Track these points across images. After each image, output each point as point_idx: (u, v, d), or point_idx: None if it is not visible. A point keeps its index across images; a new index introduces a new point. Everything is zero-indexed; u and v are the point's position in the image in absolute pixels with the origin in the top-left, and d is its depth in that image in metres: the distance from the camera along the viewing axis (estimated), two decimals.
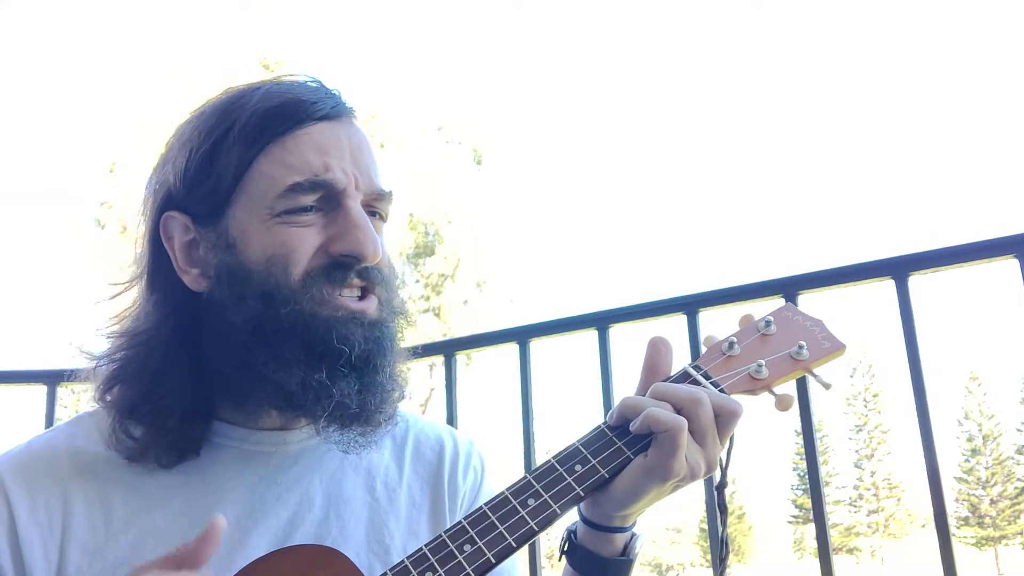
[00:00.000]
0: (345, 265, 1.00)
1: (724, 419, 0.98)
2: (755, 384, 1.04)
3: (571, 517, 1.02)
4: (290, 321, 0.97)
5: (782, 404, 1.04)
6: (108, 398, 1.04)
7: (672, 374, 1.05)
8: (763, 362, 1.04)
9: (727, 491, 1.10)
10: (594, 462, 0.96)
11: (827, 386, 1.06)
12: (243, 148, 1.00)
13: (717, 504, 1.08)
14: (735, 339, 1.08)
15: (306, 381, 0.96)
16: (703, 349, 1.09)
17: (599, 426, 1.00)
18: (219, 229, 1.01)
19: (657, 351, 1.05)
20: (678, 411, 0.96)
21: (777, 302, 1.92)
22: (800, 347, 1.06)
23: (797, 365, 1.05)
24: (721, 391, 1.02)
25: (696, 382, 1.02)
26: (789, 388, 1.08)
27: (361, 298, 1.02)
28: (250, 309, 0.97)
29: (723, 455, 1.01)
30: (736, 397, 1.03)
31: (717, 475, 1.04)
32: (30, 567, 0.95)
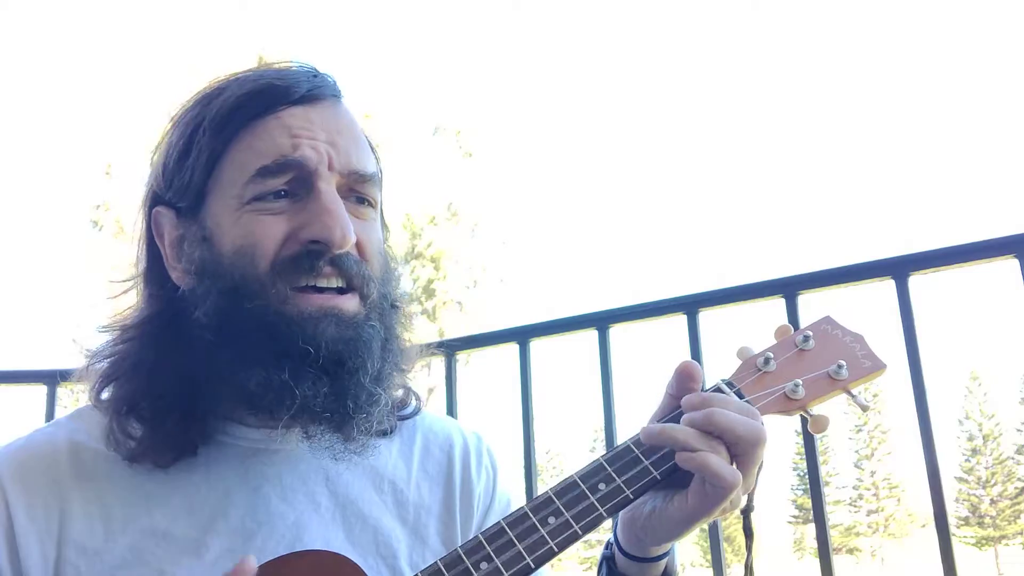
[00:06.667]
0: (315, 254, 0.94)
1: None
2: (790, 405, 0.99)
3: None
4: (255, 317, 0.93)
5: (817, 426, 0.99)
6: (104, 396, 1.02)
7: (704, 390, 0.99)
8: (800, 381, 0.99)
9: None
10: (619, 481, 0.92)
11: (864, 408, 1.02)
12: (213, 138, 0.98)
13: (744, 528, 1.03)
14: (771, 354, 1.02)
15: (268, 381, 0.92)
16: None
17: (625, 443, 0.96)
18: (198, 222, 0.99)
19: (689, 376, 0.98)
20: (731, 445, 0.90)
21: (779, 303, 1.93)
22: (840, 366, 1.01)
23: (835, 385, 1.00)
24: None
25: None
26: (823, 407, 1.03)
27: (341, 293, 0.97)
28: (215, 305, 0.94)
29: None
30: (768, 417, 0.98)
31: (744, 500, 0.99)
32: (26, 566, 0.93)
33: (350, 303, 0.97)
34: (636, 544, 0.99)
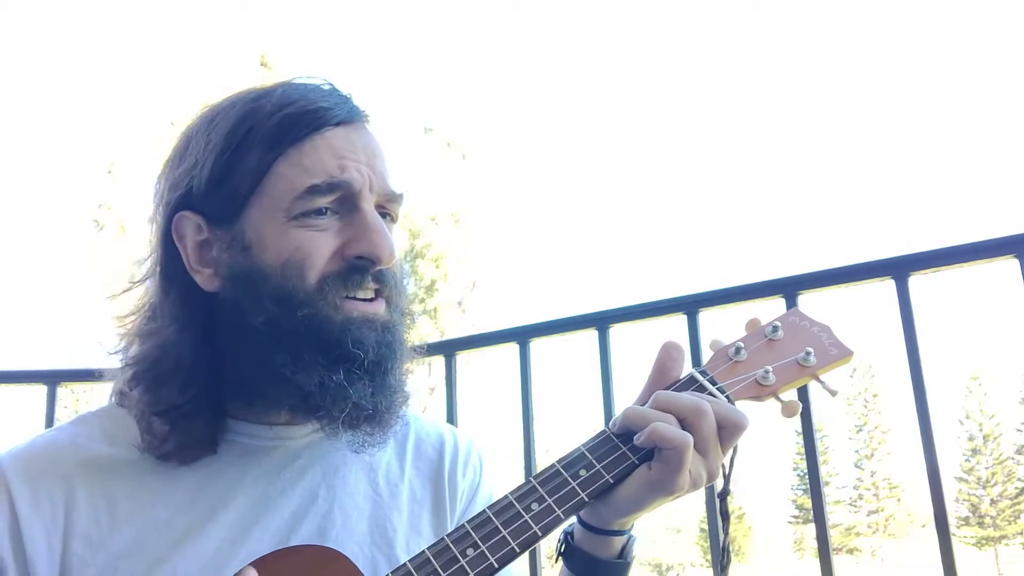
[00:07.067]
0: (361, 268, 1.02)
1: (729, 431, 0.98)
2: (761, 391, 1.03)
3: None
4: (306, 324, 0.98)
5: (788, 411, 1.03)
6: (133, 397, 1.05)
7: (679, 379, 1.04)
8: (770, 368, 1.04)
9: (728, 498, 1.09)
10: (599, 467, 0.96)
11: (833, 393, 1.06)
12: (262, 152, 1.01)
13: (719, 511, 1.07)
14: (742, 344, 1.07)
15: (324, 383, 0.98)
16: (708, 353, 1.09)
17: (603, 431, 1.00)
18: (234, 231, 1.02)
19: (668, 355, 1.05)
20: (681, 421, 0.96)
21: (779, 303, 1.93)
22: (808, 353, 1.05)
23: (804, 372, 1.05)
24: (727, 398, 1.02)
25: (702, 388, 1.02)
26: (793, 392, 1.07)
27: (372, 300, 1.04)
28: (267, 311, 0.99)
29: (726, 463, 1.01)
30: (741, 403, 1.03)
31: (720, 483, 1.03)
32: (32, 559, 0.96)
33: (381, 307, 1.04)
34: (595, 514, 1.01)
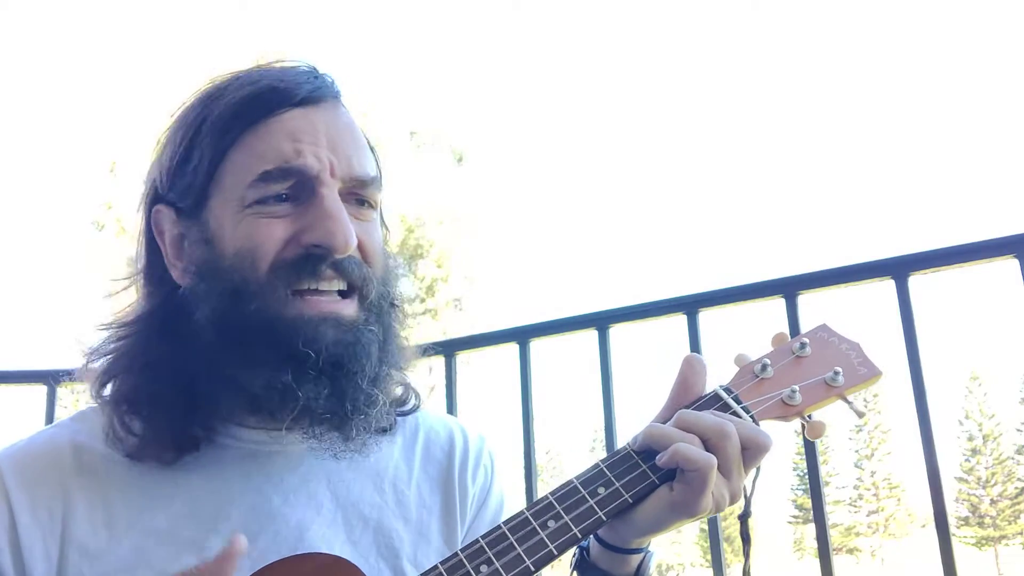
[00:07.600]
0: (316, 258, 0.95)
1: (752, 452, 0.95)
2: (787, 411, 1.00)
3: None
4: (256, 319, 0.93)
5: (814, 432, 1.01)
6: (105, 394, 1.02)
7: (703, 395, 1.01)
8: (797, 388, 1.00)
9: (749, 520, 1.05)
10: (618, 485, 0.93)
11: (860, 414, 1.03)
12: (216, 139, 0.98)
13: (740, 534, 1.05)
14: (768, 361, 1.03)
15: (271, 383, 0.93)
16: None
17: (624, 448, 0.97)
18: (200, 223, 0.99)
19: (692, 369, 1.02)
20: (705, 442, 0.93)
21: (779, 303, 1.93)
22: (836, 373, 1.02)
23: (832, 391, 1.02)
24: (752, 417, 0.99)
25: (727, 406, 0.99)
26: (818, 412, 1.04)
27: (342, 296, 0.98)
28: (216, 307, 0.95)
29: (748, 484, 0.99)
30: (766, 423, 1.00)
31: (740, 504, 1.01)
32: (30, 567, 0.93)
33: (349, 308, 0.98)
34: (613, 533, 0.99)
